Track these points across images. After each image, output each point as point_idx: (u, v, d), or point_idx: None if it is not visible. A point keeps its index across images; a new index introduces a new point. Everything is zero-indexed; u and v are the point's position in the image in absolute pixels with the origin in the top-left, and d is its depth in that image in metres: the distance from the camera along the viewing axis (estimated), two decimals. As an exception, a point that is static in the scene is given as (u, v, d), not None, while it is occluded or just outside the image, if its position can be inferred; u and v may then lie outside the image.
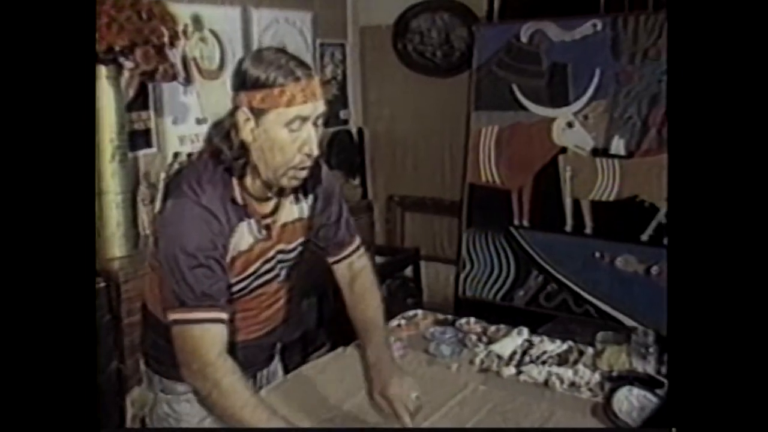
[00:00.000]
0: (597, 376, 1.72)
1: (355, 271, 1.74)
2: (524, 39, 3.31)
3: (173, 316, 1.41)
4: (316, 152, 1.41)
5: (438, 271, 3.97)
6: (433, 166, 3.95)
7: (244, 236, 1.48)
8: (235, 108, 1.40)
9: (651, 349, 1.77)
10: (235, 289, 1.50)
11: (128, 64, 2.44)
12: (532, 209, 3.34)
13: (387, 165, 4.16)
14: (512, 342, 1.90)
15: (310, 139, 1.39)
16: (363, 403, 1.63)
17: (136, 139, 2.84)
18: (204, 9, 3.08)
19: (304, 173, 1.45)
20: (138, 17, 2.35)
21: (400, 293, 3.75)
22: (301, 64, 1.38)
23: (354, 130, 4.11)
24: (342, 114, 4.03)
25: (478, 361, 1.83)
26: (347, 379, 1.75)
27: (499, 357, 1.84)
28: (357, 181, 4.11)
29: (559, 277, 3.27)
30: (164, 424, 1.67)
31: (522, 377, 1.75)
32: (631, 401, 1.56)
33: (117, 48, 2.33)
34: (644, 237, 3.03)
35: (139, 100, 2.86)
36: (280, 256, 1.58)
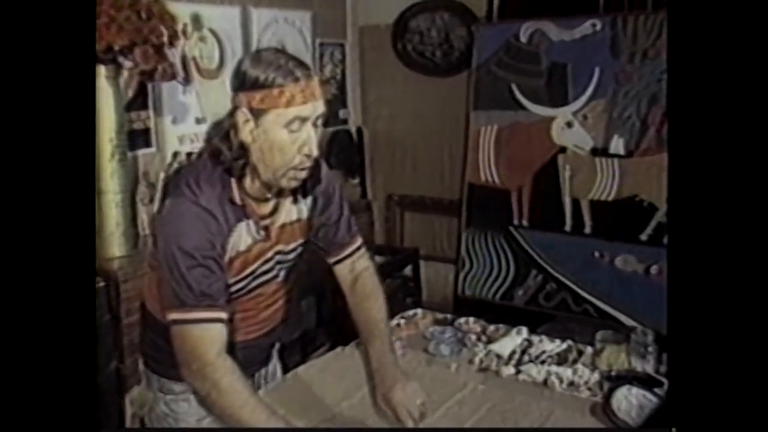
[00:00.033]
0: (596, 376, 1.72)
1: (357, 272, 1.73)
2: (523, 39, 3.32)
3: (172, 315, 1.41)
4: (315, 153, 1.41)
5: (437, 270, 3.97)
6: (432, 165, 3.95)
7: (242, 237, 1.48)
8: (235, 108, 1.40)
9: (650, 349, 1.77)
10: (233, 289, 1.50)
11: (127, 63, 2.44)
12: (531, 209, 3.35)
13: (386, 164, 4.16)
14: (511, 341, 1.90)
15: (309, 139, 1.39)
16: (362, 402, 1.63)
17: (136, 138, 2.84)
18: (203, 8, 3.08)
19: (303, 174, 1.45)
20: (137, 17, 2.34)
21: (400, 293, 3.75)
22: (301, 64, 1.38)
23: (353, 130, 4.11)
24: (341, 113, 4.03)
25: (477, 360, 1.83)
26: (346, 378, 1.75)
27: (499, 356, 1.84)
28: (356, 181, 4.11)
29: (559, 276, 3.27)
30: (162, 423, 1.67)
31: (521, 376, 1.75)
32: (630, 400, 1.57)
33: (116, 47, 2.33)
34: (643, 236, 3.04)
35: (139, 100, 2.86)
36: (278, 257, 1.58)
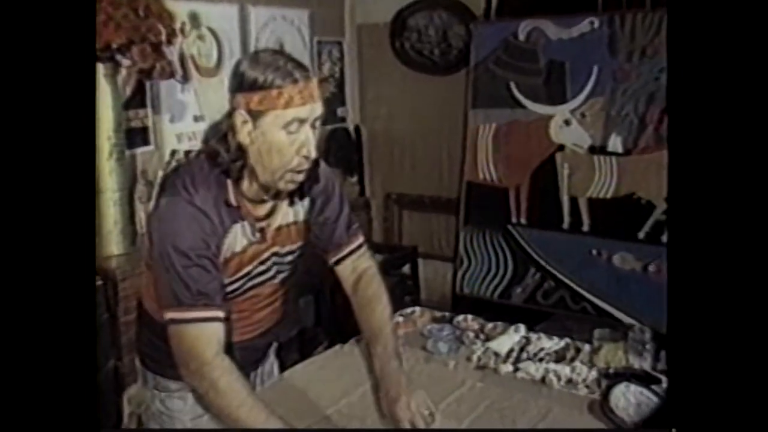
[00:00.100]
0: (594, 373, 1.72)
1: (359, 272, 1.70)
2: (522, 37, 3.32)
3: (169, 314, 1.40)
4: (314, 154, 1.40)
5: (436, 268, 3.97)
6: (430, 163, 3.95)
7: (237, 238, 1.48)
8: (233, 110, 1.39)
9: (648, 346, 1.77)
10: (228, 290, 1.50)
11: (125, 61, 2.44)
12: (529, 207, 3.35)
13: (384, 163, 4.16)
14: (509, 339, 1.90)
15: (308, 141, 1.38)
16: (361, 400, 1.63)
17: (134, 136, 2.84)
18: (201, 6, 3.08)
19: (301, 177, 1.44)
20: (135, 15, 2.34)
21: (398, 291, 3.75)
22: (299, 65, 1.37)
23: (351, 128, 4.11)
24: (339, 112, 4.03)
25: (475, 358, 1.83)
26: (345, 376, 1.75)
27: (497, 354, 1.84)
28: (354, 179, 4.12)
29: (557, 274, 3.28)
30: (157, 421, 1.67)
31: (519, 374, 1.75)
32: (627, 398, 1.57)
33: (114, 46, 2.33)
34: (641, 234, 3.04)
35: (137, 98, 2.86)
36: (274, 259, 1.57)
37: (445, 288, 3.81)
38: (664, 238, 2.96)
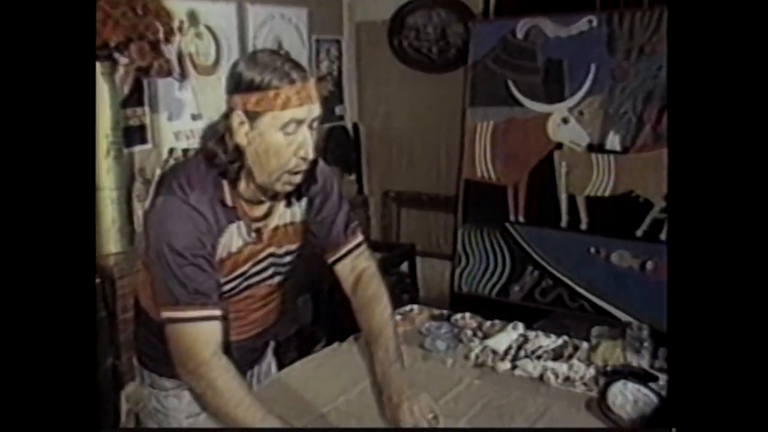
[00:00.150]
0: (592, 371, 1.72)
1: (358, 272, 1.69)
2: (520, 35, 3.32)
3: (166, 313, 1.40)
4: (311, 155, 1.40)
5: (434, 266, 3.98)
6: (428, 161, 3.95)
7: (233, 238, 1.47)
8: (230, 111, 1.38)
9: (645, 344, 1.77)
10: (224, 289, 1.49)
11: (123, 59, 2.44)
12: (527, 205, 3.36)
13: (383, 161, 4.16)
14: (507, 337, 1.90)
15: (305, 142, 1.38)
16: (359, 398, 1.63)
17: (131, 135, 2.83)
18: (199, 4, 3.08)
19: (298, 178, 1.43)
20: (133, 13, 2.34)
21: (396, 289, 3.75)
22: (297, 66, 1.37)
23: (350, 126, 4.11)
24: (338, 110, 4.03)
25: (473, 356, 1.84)
26: (343, 374, 1.75)
27: (495, 352, 1.84)
28: (352, 177, 4.12)
29: (555, 272, 3.28)
30: (153, 419, 1.67)
31: (517, 372, 1.75)
32: (625, 395, 1.57)
33: (112, 44, 2.32)
34: (639, 232, 3.04)
35: (134, 96, 2.86)
36: (271, 260, 1.57)
37: (443, 286, 3.81)
38: (662, 236, 2.97)
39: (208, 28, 3.14)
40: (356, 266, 1.70)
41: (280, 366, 1.87)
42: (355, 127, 4.13)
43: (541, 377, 1.72)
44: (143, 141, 2.92)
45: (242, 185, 1.46)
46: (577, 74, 3.17)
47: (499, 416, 1.56)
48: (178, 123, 3.05)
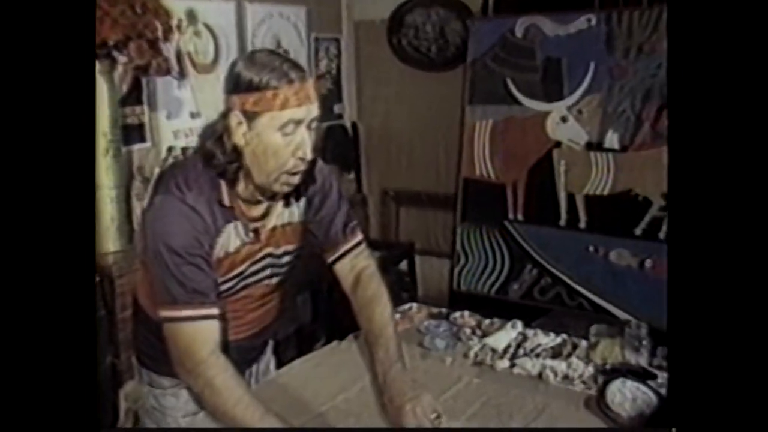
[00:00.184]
0: (590, 369, 1.72)
1: (357, 271, 1.68)
2: (519, 33, 3.32)
3: (164, 313, 1.40)
4: (310, 156, 1.39)
5: (432, 265, 3.98)
6: (427, 160, 3.95)
7: (231, 238, 1.47)
8: (228, 111, 1.38)
9: (644, 342, 1.77)
10: (221, 289, 1.49)
11: (122, 58, 2.44)
12: (526, 203, 3.35)
13: (381, 159, 4.16)
14: (506, 335, 1.90)
15: (304, 142, 1.37)
16: (358, 396, 1.64)
17: (130, 133, 2.83)
18: (198, 3, 3.08)
19: (296, 178, 1.43)
20: (132, 11, 2.34)
21: (395, 287, 3.76)
22: (295, 66, 1.36)
23: (348, 125, 4.11)
24: (336, 108, 4.03)
25: (472, 354, 1.84)
26: (342, 372, 1.76)
27: (493, 350, 1.84)
28: (351, 176, 4.12)
29: (553, 270, 3.28)
30: (150, 417, 1.67)
31: (516, 370, 1.75)
32: (624, 393, 1.57)
33: (111, 42, 2.32)
34: (638, 231, 3.04)
35: (133, 95, 2.85)
36: (269, 260, 1.56)
37: (442, 284, 3.81)
38: (661, 235, 2.97)
39: (207, 27, 3.14)
40: (356, 265, 1.69)
41: (279, 365, 1.87)
42: (354, 125, 4.13)
43: (540, 375, 1.72)
44: (142, 139, 2.92)
45: (240, 185, 1.45)
46: (576, 73, 3.17)
47: (498, 414, 1.56)
48: (177, 121, 3.05)
